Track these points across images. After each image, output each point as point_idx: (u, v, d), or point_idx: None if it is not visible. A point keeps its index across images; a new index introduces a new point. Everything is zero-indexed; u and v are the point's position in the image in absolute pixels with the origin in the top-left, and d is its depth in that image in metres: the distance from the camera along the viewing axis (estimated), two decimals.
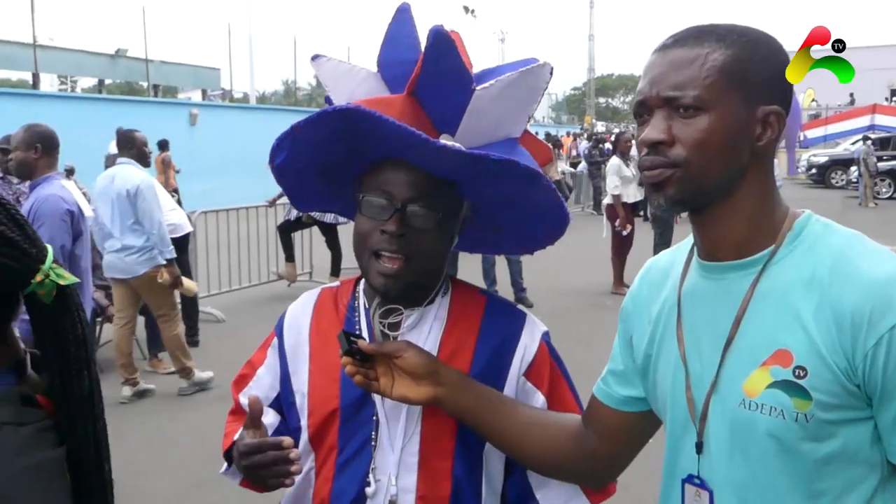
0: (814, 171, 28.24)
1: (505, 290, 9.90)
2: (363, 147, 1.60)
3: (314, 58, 1.71)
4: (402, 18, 1.67)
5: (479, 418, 1.57)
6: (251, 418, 1.57)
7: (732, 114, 1.27)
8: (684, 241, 1.50)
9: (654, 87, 1.31)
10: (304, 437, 1.70)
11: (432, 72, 1.55)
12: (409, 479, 1.63)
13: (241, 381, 1.84)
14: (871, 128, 24.05)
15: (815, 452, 1.24)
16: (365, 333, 1.69)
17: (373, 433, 1.64)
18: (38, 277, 1.09)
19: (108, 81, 39.33)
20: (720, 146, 1.27)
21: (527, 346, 1.73)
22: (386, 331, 1.68)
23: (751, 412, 1.27)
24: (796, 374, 1.23)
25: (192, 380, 6.88)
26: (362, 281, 1.77)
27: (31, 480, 1.03)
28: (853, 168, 25.24)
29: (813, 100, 39.63)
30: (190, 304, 8.20)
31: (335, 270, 10.91)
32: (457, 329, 1.70)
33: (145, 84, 37.39)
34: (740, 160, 1.30)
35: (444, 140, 1.56)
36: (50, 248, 1.14)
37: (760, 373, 1.27)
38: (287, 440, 1.51)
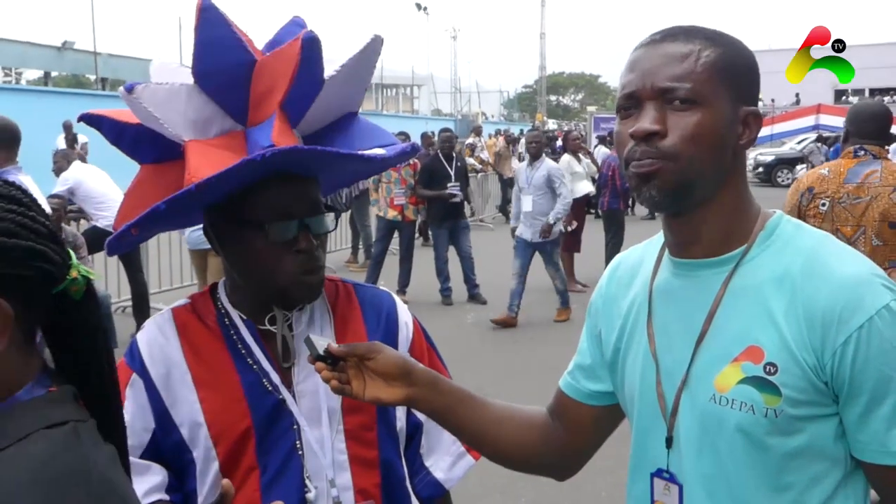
0: (760, 169, 28.62)
1: (458, 287, 9.88)
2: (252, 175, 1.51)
3: (129, 89, 1.52)
4: (210, 20, 1.50)
5: (453, 416, 1.55)
6: None
7: (722, 111, 1.29)
8: (654, 238, 1.50)
9: (648, 78, 1.29)
10: (214, 466, 1.59)
11: (305, 81, 1.49)
12: (345, 476, 1.62)
13: None
14: (816, 127, 24.41)
15: (783, 447, 1.27)
16: (252, 344, 1.63)
17: (297, 441, 1.60)
18: (74, 273, 1.05)
19: (54, 74, 38.52)
20: (711, 142, 1.28)
21: (406, 322, 1.76)
22: (284, 333, 1.64)
23: (721, 407, 1.29)
24: (767, 370, 1.25)
25: None
26: (220, 292, 1.69)
27: (116, 468, 1.02)
28: (799, 167, 25.69)
29: (759, 99, 40.06)
30: (141, 299, 8.11)
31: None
32: (345, 319, 1.70)
33: (93, 77, 36.70)
34: (726, 158, 1.31)
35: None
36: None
37: (732, 368, 1.28)
38: None
